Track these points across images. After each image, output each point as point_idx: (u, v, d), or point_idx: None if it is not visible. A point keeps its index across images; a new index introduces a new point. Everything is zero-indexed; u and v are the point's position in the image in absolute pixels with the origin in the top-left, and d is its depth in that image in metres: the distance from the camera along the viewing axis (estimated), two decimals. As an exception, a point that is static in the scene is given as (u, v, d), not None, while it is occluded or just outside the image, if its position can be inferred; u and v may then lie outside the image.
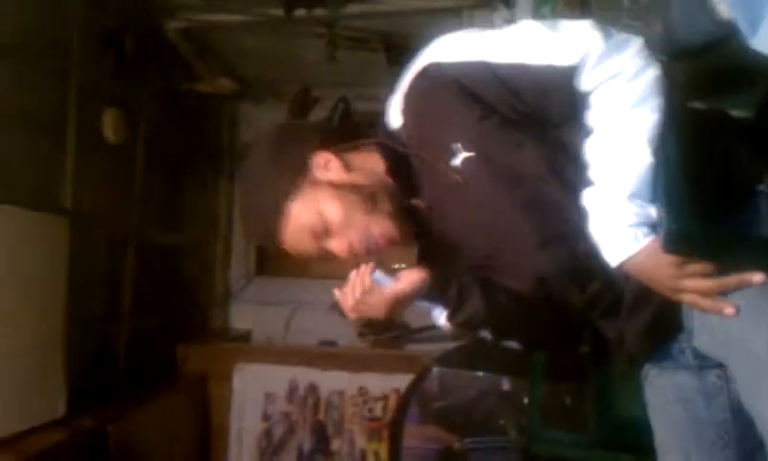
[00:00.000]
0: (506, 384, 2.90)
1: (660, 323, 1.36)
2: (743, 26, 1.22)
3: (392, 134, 1.42)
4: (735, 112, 1.48)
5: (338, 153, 1.41)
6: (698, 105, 1.41)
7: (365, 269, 1.39)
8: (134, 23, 3.08)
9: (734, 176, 1.33)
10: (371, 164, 1.41)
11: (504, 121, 1.29)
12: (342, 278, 1.43)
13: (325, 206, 1.37)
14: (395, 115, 1.42)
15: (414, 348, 3.51)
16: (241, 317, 3.95)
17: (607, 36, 1.24)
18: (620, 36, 1.26)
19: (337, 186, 1.38)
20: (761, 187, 1.32)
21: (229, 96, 3.71)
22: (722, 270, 1.22)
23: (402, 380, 3.18)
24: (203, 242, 3.94)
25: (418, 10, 2.75)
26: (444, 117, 1.32)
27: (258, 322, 3.88)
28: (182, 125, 3.63)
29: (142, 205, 3.30)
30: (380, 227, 1.38)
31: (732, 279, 1.22)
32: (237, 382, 3.61)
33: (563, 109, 1.27)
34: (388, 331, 3.57)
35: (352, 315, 1.43)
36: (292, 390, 3.58)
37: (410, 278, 1.40)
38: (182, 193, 3.74)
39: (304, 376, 3.57)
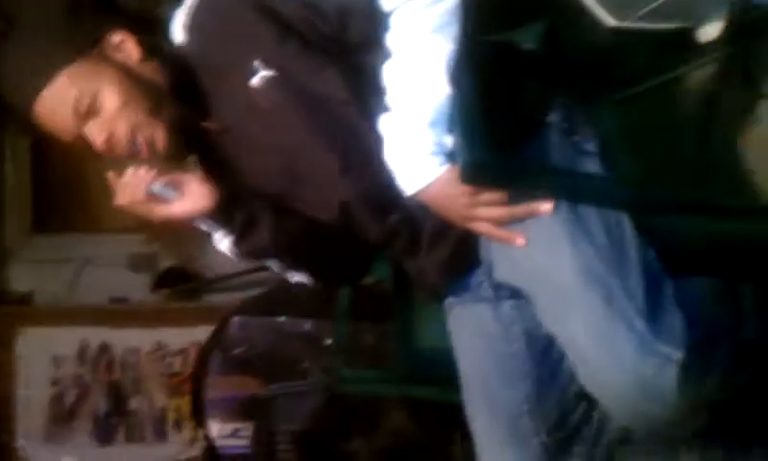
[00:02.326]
0: (309, 327, 2.91)
1: (459, 256, 1.39)
2: None
3: (175, 50, 1.33)
4: (524, 44, 1.51)
5: (138, 41, 1.30)
6: (488, 36, 1.42)
7: (142, 175, 1.28)
8: None
9: (525, 107, 1.37)
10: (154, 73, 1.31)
11: (305, 43, 1.24)
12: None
13: (105, 86, 1.26)
14: (176, 31, 1.33)
15: (212, 298, 3.44)
16: (21, 278, 3.67)
17: None
18: None
19: (126, 72, 1.28)
20: (552, 118, 1.36)
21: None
22: (514, 199, 1.26)
23: (202, 333, 3.10)
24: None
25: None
26: (242, 33, 1.25)
27: (41, 282, 3.62)
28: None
29: None
30: (154, 134, 1.28)
31: (522, 207, 1.26)
32: (21, 348, 3.38)
33: (365, 30, 1.25)
34: (183, 284, 3.48)
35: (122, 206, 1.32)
36: (82, 351, 3.40)
37: (195, 198, 1.32)
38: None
39: (95, 335, 3.40)
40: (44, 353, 3.39)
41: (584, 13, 1.35)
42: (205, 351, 2.99)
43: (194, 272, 3.50)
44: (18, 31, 1.29)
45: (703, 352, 1.24)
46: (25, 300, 3.66)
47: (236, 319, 2.93)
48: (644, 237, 1.32)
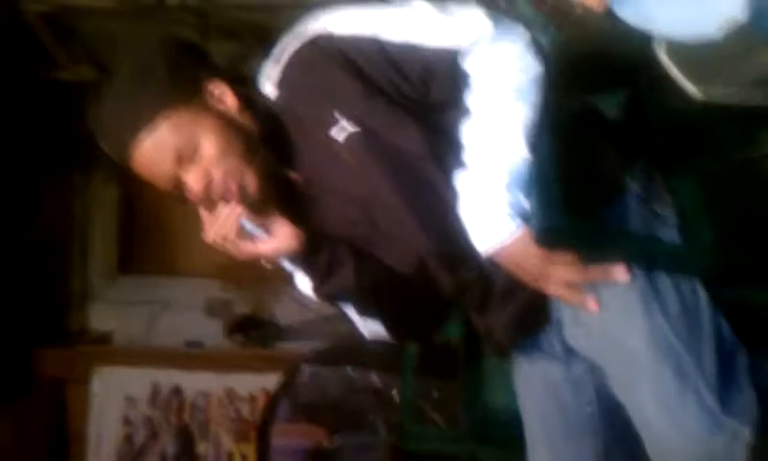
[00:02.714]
0: (376, 380, 2.91)
1: (529, 314, 1.39)
2: None
3: (266, 103, 1.38)
4: (607, 111, 1.53)
5: (235, 92, 1.35)
6: (569, 102, 1.44)
7: (233, 213, 1.31)
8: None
9: (604, 172, 1.38)
10: (249, 123, 1.36)
11: (388, 100, 1.28)
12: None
13: (205, 134, 1.30)
14: (267, 86, 1.38)
15: (284, 346, 3.46)
16: (102, 318, 3.77)
17: (496, 23, 1.26)
18: (509, 26, 1.28)
19: (224, 120, 1.32)
20: (630, 184, 1.37)
21: (92, 85, 3.53)
22: (589, 263, 1.26)
23: (271, 380, 3.13)
24: (60, 238, 3.73)
25: (295, 4, 2.70)
26: (330, 90, 1.29)
27: (121, 323, 3.72)
28: (39, 114, 3.42)
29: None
30: (248, 179, 1.32)
31: (596, 271, 1.26)
32: (97, 386, 3.46)
33: (447, 92, 1.28)
34: (256, 331, 3.52)
35: (210, 242, 1.35)
36: (155, 393, 3.46)
37: (282, 238, 1.35)
38: (39, 186, 3.53)
39: (168, 378, 3.46)
40: (118, 393, 3.46)
41: (668, 83, 1.35)
42: (274, 398, 3.01)
43: (267, 319, 3.55)
44: (120, 79, 1.35)
45: None
46: (104, 339, 3.75)
47: (306, 368, 2.94)
48: (719, 309, 1.31)
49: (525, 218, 1.23)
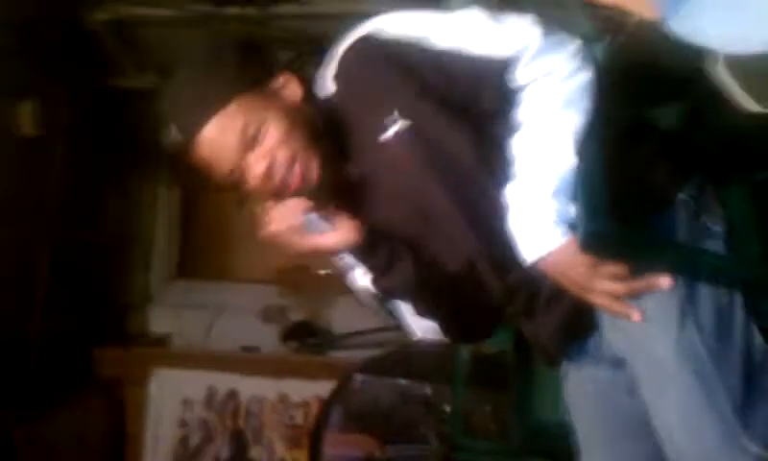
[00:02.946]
0: (428, 391, 2.90)
1: (575, 320, 1.38)
2: (665, 6, 1.23)
3: (324, 97, 1.40)
4: (663, 122, 1.51)
5: (301, 83, 1.39)
6: (622, 113, 1.43)
7: (298, 204, 1.34)
8: (57, 13, 2.99)
9: (654, 183, 1.36)
10: (312, 113, 1.38)
11: (440, 104, 1.29)
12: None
13: (271, 118, 1.33)
14: (326, 83, 1.40)
15: (337, 354, 3.48)
16: (161, 320, 3.85)
17: (547, 33, 1.26)
18: (559, 36, 1.28)
19: (289, 108, 1.35)
20: (681, 196, 1.35)
21: (154, 93, 3.62)
22: (635, 273, 1.24)
23: (324, 387, 3.15)
24: (122, 242, 3.83)
25: (354, 13, 2.71)
26: (384, 86, 1.31)
27: (179, 326, 3.79)
28: (105, 120, 3.53)
29: (58, 201, 3.20)
30: (310, 166, 1.33)
31: (642, 283, 1.25)
32: (154, 388, 3.52)
33: (495, 101, 1.28)
34: (311, 338, 3.55)
35: (268, 237, 1.37)
36: (210, 396, 3.51)
37: (345, 231, 1.36)
38: (102, 190, 3.63)
39: (224, 381, 3.50)
40: (175, 395, 3.52)
41: (724, 97, 1.33)
42: (327, 406, 3.03)
43: (322, 327, 3.57)
44: (191, 70, 1.41)
45: None
46: (161, 342, 3.83)
47: (359, 377, 2.95)
48: (760, 321, 1.29)
49: (572, 226, 1.21)
